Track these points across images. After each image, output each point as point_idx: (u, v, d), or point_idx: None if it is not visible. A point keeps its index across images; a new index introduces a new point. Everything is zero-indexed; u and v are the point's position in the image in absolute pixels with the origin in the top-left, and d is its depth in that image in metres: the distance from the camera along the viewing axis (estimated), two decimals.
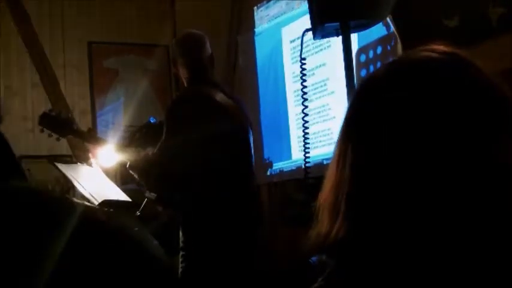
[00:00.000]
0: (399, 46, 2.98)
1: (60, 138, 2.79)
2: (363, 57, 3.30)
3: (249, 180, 2.76)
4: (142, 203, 3.01)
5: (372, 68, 3.24)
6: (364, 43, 3.27)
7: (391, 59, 0.93)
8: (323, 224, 0.85)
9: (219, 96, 2.69)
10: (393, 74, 0.85)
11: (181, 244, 2.61)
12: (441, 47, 0.86)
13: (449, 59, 0.84)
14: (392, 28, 3.00)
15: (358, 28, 2.06)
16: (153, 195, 2.88)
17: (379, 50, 3.20)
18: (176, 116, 2.58)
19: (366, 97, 0.87)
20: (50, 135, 2.80)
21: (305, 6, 3.58)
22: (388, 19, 2.87)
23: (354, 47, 2.18)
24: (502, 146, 0.78)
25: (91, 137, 2.75)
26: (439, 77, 0.82)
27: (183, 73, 2.74)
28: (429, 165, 0.78)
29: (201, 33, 2.80)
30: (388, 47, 3.10)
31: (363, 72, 3.29)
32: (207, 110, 2.61)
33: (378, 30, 3.09)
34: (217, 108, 2.63)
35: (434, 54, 0.85)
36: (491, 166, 0.78)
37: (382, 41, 3.15)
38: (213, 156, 2.56)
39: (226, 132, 2.62)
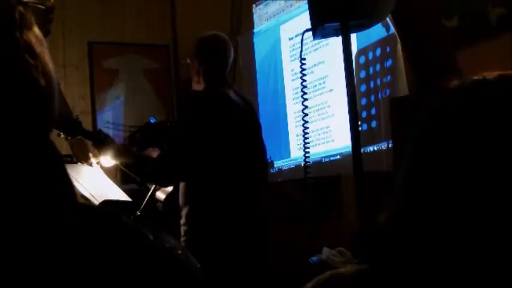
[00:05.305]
0: (399, 47, 2.98)
1: (70, 138, 2.78)
2: (362, 59, 3.29)
3: (260, 180, 2.80)
4: (142, 203, 3.01)
5: (371, 70, 3.23)
6: (363, 45, 3.27)
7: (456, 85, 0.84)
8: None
9: (238, 99, 2.74)
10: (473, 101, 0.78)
11: (182, 239, 2.62)
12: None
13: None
14: (392, 29, 3.00)
15: (358, 28, 2.06)
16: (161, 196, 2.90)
17: (378, 51, 3.19)
18: (199, 114, 2.60)
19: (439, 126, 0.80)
20: (58, 135, 2.80)
21: (304, 4, 3.58)
22: (387, 20, 2.87)
23: (353, 48, 2.18)
24: None
25: (100, 138, 2.73)
26: None
27: (203, 71, 2.76)
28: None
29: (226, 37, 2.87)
30: (388, 49, 3.10)
31: (362, 74, 3.28)
32: (229, 111, 2.65)
33: (377, 32, 3.08)
34: (237, 109, 2.68)
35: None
36: None
37: (381, 42, 3.14)
38: (229, 155, 2.61)
39: (244, 133, 2.69)
